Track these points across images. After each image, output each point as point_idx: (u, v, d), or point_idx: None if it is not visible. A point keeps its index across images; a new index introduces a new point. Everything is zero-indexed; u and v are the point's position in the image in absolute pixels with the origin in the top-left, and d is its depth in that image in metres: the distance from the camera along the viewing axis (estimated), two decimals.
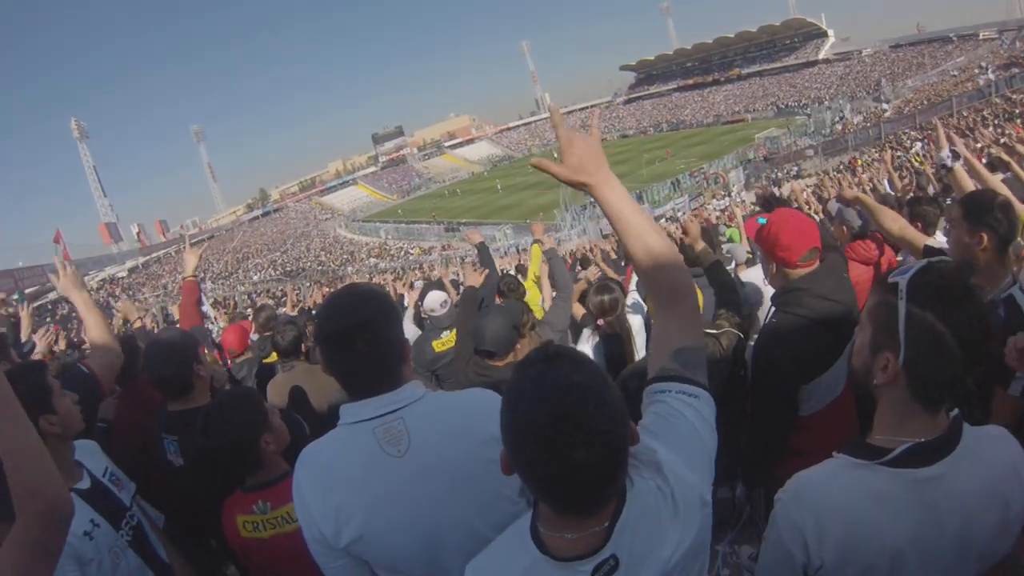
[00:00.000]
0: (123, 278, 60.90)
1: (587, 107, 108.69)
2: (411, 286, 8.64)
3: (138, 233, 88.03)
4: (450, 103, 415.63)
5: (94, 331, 2.67)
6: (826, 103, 55.77)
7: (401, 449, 1.39)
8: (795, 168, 34.54)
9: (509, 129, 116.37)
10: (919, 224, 3.70)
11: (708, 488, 1.17)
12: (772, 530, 1.30)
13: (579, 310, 4.64)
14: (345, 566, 1.46)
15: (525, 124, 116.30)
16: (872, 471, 1.23)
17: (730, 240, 6.72)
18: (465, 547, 1.39)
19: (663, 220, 29.95)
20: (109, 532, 1.91)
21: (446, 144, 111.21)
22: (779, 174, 34.57)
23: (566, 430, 0.94)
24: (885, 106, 46.76)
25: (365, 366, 1.41)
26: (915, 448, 1.20)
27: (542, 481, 1.01)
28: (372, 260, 43.96)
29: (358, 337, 1.37)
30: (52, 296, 45.92)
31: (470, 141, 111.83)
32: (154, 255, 75.38)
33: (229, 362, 4.93)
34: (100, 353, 2.63)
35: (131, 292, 48.13)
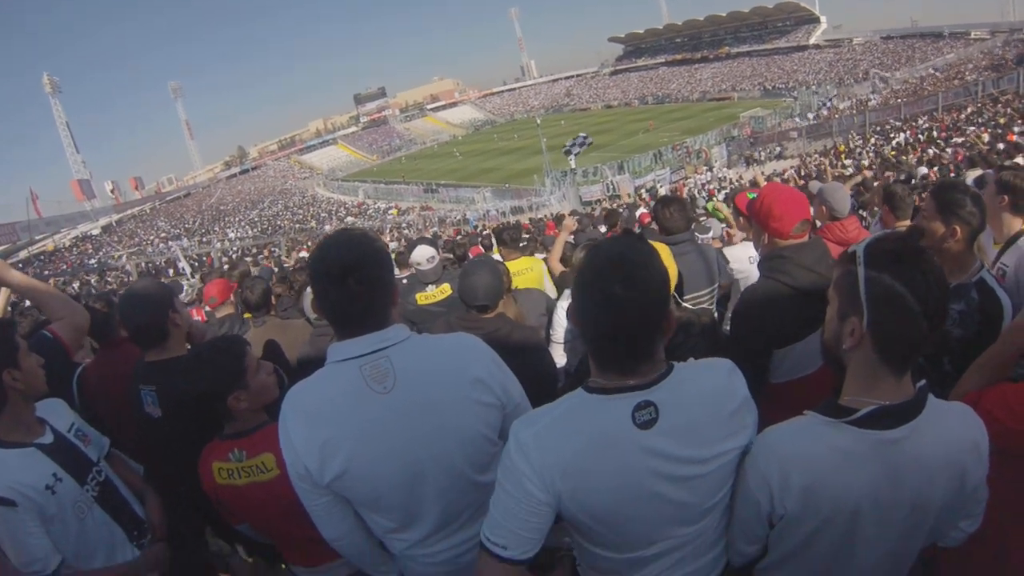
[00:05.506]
0: (96, 236, 58.98)
1: (572, 76, 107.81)
2: None
3: (112, 190, 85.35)
4: (434, 67, 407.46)
5: (48, 300, 2.61)
6: (813, 88, 55.82)
7: (387, 386, 1.43)
8: (778, 148, 34.71)
9: (493, 94, 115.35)
10: (887, 207, 3.72)
11: None
12: (742, 478, 1.36)
13: (558, 267, 4.65)
14: (328, 504, 1.50)
15: (509, 90, 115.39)
16: (838, 429, 1.27)
17: (714, 212, 6.73)
18: (443, 483, 1.45)
19: (643, 191, 30.01)
20: (72, 486, 1.90)
21: (428, 106, 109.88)
22: (762, 154, 34.74)
23: (609, 268, 1.21)
24: (873, 96, 46.82)
25: (355, 304, 1.44)
26: (880, 410, 1.24)
27: (589, 314, 1.23)
28: (350, 219, 43.44)
29: (350, 275, 1.41)
30: (23, 255, 44.87)
31: (453, 104, 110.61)
32: (128, 212, 73.16)
33: (203, 316, 4.89)
34: (63, 313, 2.57)
35: (105, 250, 46.97)
